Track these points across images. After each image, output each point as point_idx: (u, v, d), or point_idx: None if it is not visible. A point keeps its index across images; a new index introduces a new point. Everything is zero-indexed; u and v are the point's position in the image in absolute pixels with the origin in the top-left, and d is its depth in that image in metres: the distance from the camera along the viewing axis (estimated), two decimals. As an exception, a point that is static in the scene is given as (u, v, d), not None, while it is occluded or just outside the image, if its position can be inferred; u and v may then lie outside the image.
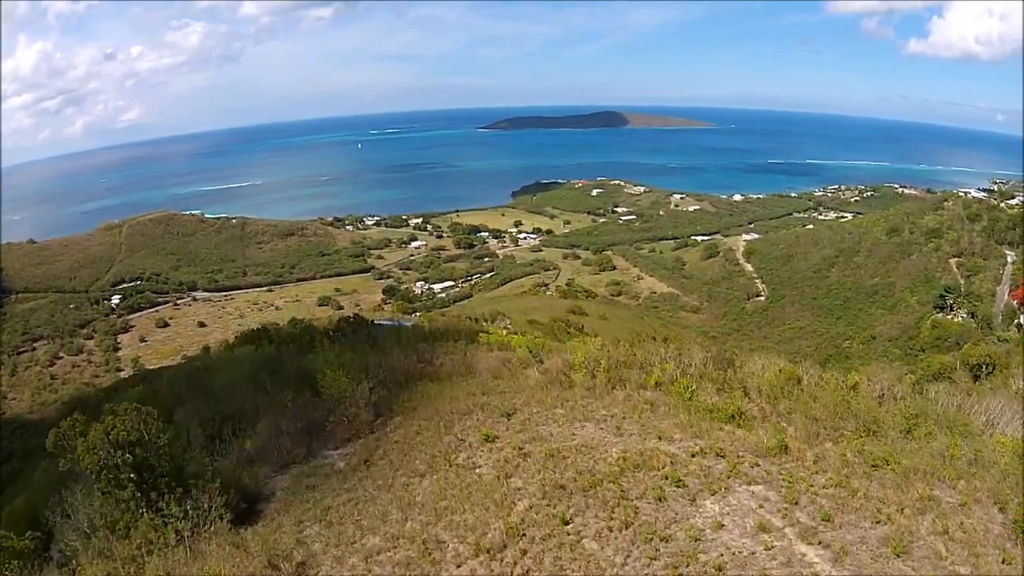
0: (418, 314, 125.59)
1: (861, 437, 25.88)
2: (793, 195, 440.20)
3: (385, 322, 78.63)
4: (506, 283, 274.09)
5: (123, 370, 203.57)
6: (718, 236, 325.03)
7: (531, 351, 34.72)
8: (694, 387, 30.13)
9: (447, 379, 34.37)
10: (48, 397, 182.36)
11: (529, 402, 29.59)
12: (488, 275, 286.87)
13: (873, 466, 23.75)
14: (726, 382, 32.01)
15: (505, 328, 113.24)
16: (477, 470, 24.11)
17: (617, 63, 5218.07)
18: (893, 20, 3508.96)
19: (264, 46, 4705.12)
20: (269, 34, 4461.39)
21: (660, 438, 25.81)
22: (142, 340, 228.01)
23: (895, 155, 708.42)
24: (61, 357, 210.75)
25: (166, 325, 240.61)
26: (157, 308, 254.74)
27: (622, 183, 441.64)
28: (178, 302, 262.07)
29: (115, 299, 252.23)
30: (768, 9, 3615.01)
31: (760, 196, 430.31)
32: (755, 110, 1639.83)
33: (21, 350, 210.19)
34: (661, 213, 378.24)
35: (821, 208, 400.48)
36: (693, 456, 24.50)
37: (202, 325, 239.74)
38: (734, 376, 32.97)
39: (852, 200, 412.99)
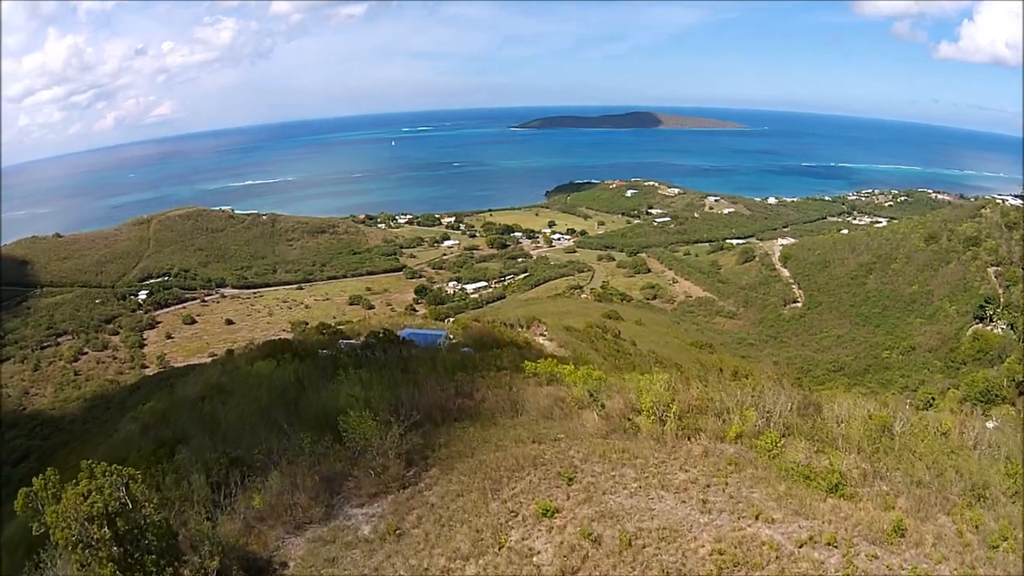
0: (452, 320, 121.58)
1: (972, 505, 23.43)
2: (827, 199, 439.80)
3: (416, 332, 74.59)
4: (540, 284, 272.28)
5: (148, 367, 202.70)
6: (753, 240, 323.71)
7: (591, 393, 30.10)
8: (782, 442, 25.68)
9: (490, 419, 29.93)
10: (71, 393, 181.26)
11: (590, 457, 24.94)
12: (522, 276, 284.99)
13: (993, 547, 21.25)
14: (814, 434, 27.62)
15: (542, 335, 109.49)
16: (535, 558, 19.66)
17: (647, 62, 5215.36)
18: (925, 23, 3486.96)
19: (296, 43, 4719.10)
20: (300, 31, 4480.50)
21: (757, 517, 21.35)
22: (168, 337, 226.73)
23: (925, 159, 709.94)
24: (85, 352, 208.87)
25: (193, 322, 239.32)
26: (184, 304, 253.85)
27: (656, 184, 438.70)
28: (206, 299, 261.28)
29: (142, 295, 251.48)
30: (797, 10, 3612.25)
31: (794, 199, 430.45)
32: (785, 112, 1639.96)
33: (45, 344, 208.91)
34: (696, 215, 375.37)
35: (855, 212, 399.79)
36: (801, 547, 20.20)
37: (230, 323, 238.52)
38: (822, 425, 28.66)
39: (886, 205, 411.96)
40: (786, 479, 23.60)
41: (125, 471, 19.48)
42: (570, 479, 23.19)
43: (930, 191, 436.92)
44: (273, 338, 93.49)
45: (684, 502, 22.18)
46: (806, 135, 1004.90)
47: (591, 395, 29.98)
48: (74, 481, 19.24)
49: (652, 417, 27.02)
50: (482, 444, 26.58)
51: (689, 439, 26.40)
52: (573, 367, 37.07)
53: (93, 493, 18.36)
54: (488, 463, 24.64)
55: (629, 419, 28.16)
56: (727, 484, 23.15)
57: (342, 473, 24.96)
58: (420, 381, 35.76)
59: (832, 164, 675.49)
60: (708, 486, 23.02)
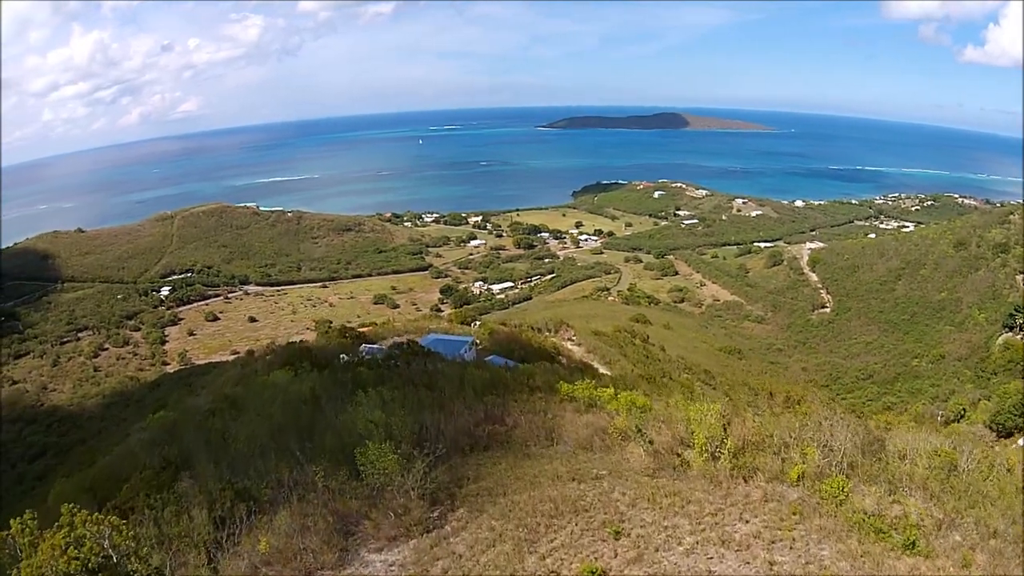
0: (478, 323, 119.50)
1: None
2: (853, 202, 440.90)
3: (441, 339, 72.37)
4: (567, 286, 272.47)
5: (169, 364, 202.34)
6: (781, 243, 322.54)
7: (639, 428, 27.26)
8: (849, 486, 22.90)
9: (523, 449, 27.34)
10: (90, 390, 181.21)
11: (638, 502, 22.10)
12: (548, 277, 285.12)
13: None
14: (881, 475, 24.84)
15: (570, 340, 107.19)
16: (580, 634, 16.95)
17: (673, 63, 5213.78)
18: (950, 26, 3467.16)
19: (322, 40, 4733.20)
20: (328, 28, 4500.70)
21: (832, 584, 18.49)
22: (190, 334, 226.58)
23: (952, 163, 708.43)
24: (106, 348, 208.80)
25: (216, 319, 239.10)
26: (207, 301, 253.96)
27: (684, 185, 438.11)
28: (229, 296, 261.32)
29: (164, 291, 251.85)
30: (822, 12, 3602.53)
31: (821, 202, 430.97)
32: (812, 114, 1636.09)
33: (65, 340, 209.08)
34: (723, 218, 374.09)
35: (882, 216, 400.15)
36: (883, 623, 17.39)
37: (253, 320, 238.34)
38: (887, 464, 25.83)
39: (912, 209, 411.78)
40: (856, 531, 20.81)
41: (108, 519, 17.29)
42: (617, 532, 20.40)
43: (956, 196, 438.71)
44: (293, 341, 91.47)
45: (748, 563, 19.20)
46: (831, 138, 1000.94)
47: (638, 430, 27.23)
48: (56, 525, 17.08)
49: (705, 454, 24.34)
50: (515, 481, 23.93)
51: (745, 480, 23.61)
52: (613, 391, 34.40)
53: (71, 547, 16.16)
54: (522, 505, 21.96)
55: (678, 454, 25.45)
56: (794, 539, 20.29)
57: (359, 513, 22.50)
58: (446, 403, 33.35)
59: (858, 167, 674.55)
60: (773, 542, 20.11)
